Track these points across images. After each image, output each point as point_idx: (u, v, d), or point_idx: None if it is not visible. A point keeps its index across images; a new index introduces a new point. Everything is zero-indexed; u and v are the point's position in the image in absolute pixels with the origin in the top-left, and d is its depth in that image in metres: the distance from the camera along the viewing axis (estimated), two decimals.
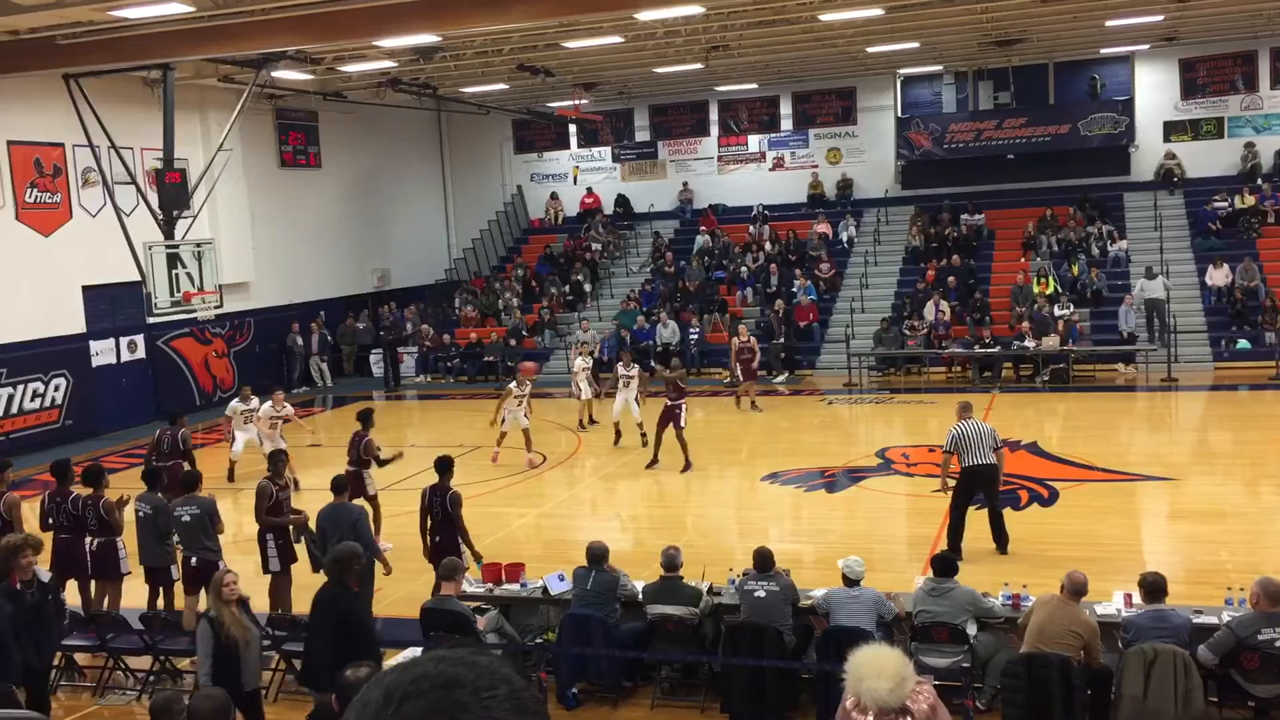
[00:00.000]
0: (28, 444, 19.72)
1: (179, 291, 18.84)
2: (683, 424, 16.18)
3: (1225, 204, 26.41)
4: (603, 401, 20.13)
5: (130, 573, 11.02)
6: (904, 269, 27.64)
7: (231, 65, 20.80)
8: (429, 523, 10.82)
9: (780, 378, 24.61)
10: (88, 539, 10.86)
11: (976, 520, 13.50)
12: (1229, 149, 27.67)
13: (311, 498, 13.40)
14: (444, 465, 10.97)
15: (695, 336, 25.91)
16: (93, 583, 11.07)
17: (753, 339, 21.87)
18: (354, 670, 6.19)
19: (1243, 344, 23.16)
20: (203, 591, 9.33)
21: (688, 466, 16.28)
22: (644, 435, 17.50)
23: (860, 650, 5.21)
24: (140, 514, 10.95)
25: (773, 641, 8.39)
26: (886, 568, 11.29)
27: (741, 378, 21.12)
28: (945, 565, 8.78)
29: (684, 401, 16.40)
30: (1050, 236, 27.00)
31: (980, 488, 11.81)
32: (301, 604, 10.64)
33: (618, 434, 18.36)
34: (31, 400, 20.60)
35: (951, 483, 12.01)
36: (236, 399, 17.26)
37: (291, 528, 10.96)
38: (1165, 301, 23.35)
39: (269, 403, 16.54)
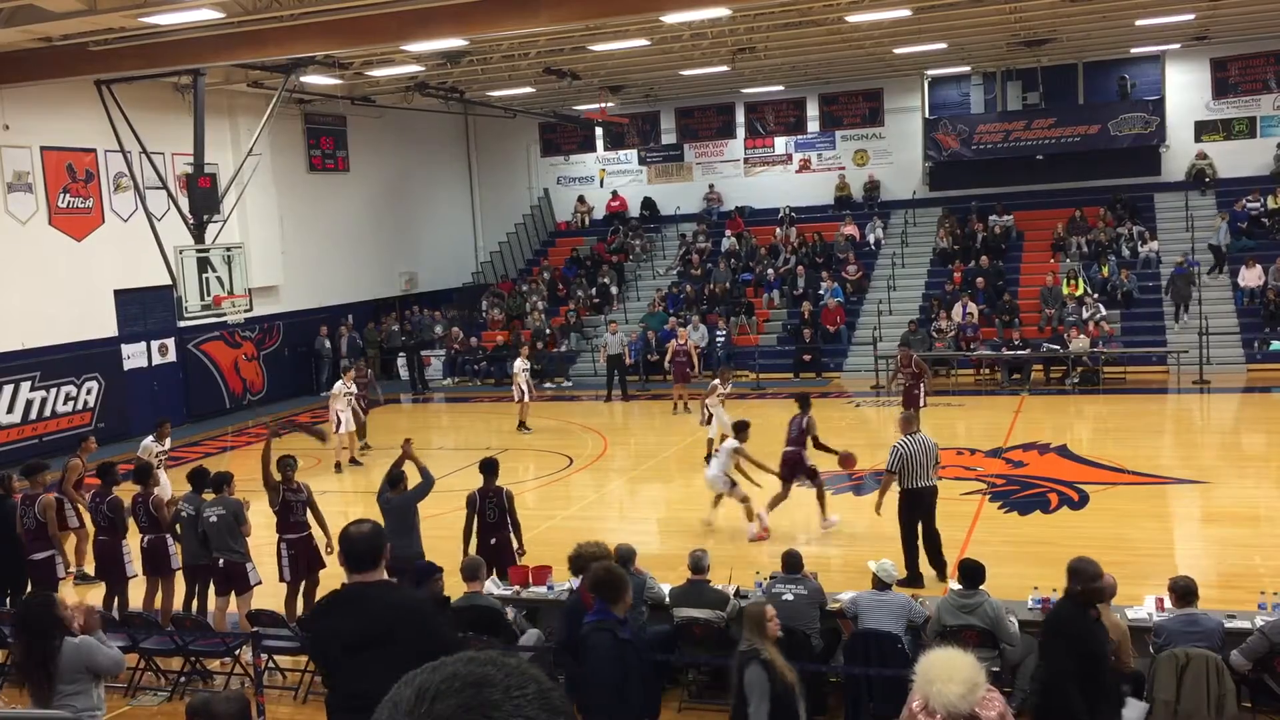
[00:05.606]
0: (61, 447, 19.86)
1: (209, 295, 18.99)
2: (923, 403, 17.22)
3: (1258, 204, 26.14)
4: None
5: (180, 568, 11.15)
6: (932, 270, 27.52)
7: (261, 70, 20.95)
8: (477, 525, 10.84)
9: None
10: (140, 537, 11.10)
11: (1010, 526, 13.40)
12: (1261, 149, 27.36)
13: (355, 499, 13.45)
14: (490, 467, 11.01)
15: (722, 339, 25.90)
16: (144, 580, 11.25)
17: (691, 343, 22.92)
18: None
19: (1276, 345, 22.88)
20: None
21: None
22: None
23: (933, 652, 5.13)
24: (183, 514, 11.06)
25: (800, 645, 8.35)
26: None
27: (674, 379, 22.23)
28: (972, 574, 8.39)
29: (923, 383, 17.73)
30: (1080, 238, 26.80)
31: (920, 511, 11.37)
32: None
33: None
34: (64, 403, 20.84)
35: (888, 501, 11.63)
36: (151, 437, 14.58)
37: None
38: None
39: (150, 437, 14.53)
